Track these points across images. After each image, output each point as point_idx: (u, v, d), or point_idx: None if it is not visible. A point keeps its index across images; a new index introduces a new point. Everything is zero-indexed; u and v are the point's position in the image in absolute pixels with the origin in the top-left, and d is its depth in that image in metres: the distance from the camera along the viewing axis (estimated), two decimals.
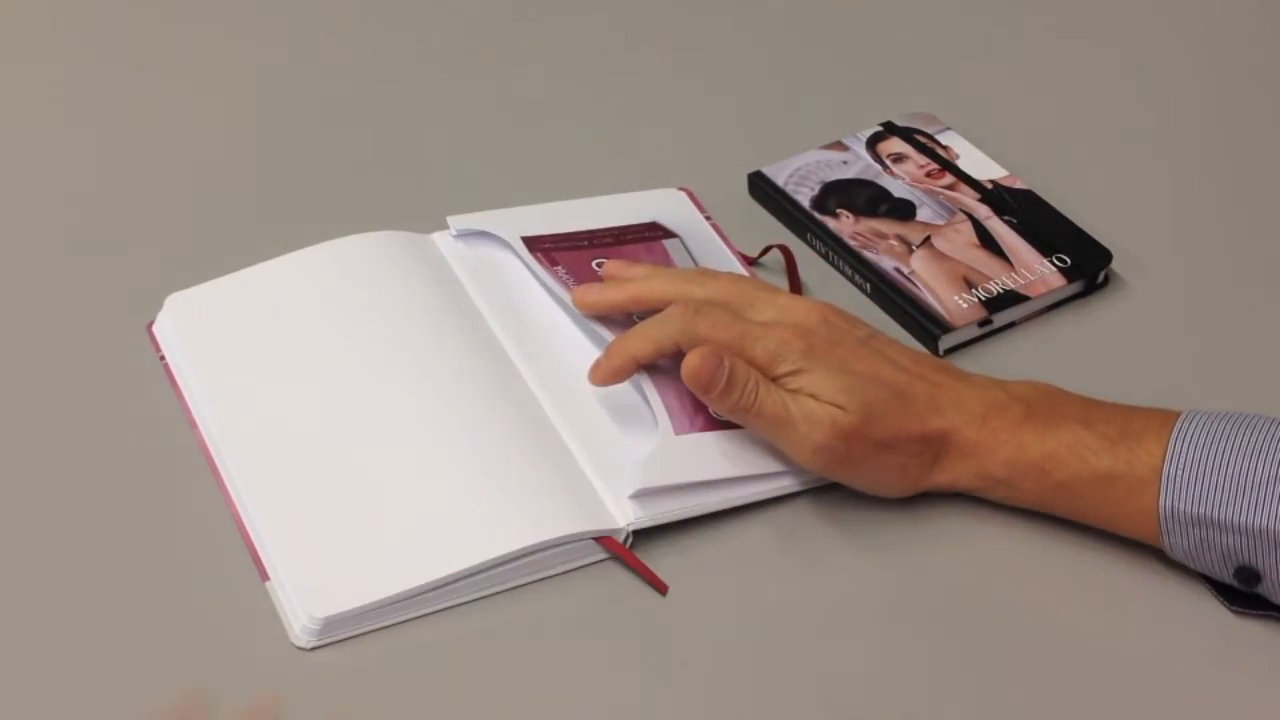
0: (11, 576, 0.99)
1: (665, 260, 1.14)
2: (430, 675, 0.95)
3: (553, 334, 1.09)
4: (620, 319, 1.08)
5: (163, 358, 1.10)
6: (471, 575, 0.97)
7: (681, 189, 1.21)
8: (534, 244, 1.14)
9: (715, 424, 1.02)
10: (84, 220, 1.22)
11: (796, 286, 1.14)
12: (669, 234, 1.16)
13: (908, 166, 1.22)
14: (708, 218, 1.19)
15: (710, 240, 1.17)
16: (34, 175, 1.27)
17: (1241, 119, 1.31)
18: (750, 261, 1.16)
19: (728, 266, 1.14)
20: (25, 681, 0.95)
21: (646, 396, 1.03)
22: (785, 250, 1.15)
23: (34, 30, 1.40)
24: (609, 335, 1.06)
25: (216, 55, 1.37)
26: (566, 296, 1.09)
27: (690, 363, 1.00)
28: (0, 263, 1.19)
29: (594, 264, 1.12)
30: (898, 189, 1.20)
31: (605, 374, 1.04)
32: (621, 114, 1.31)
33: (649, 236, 1.16)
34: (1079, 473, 0.97)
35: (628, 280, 1.08)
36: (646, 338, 1.03)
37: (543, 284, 1.12)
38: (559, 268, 1.12)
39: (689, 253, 1.15)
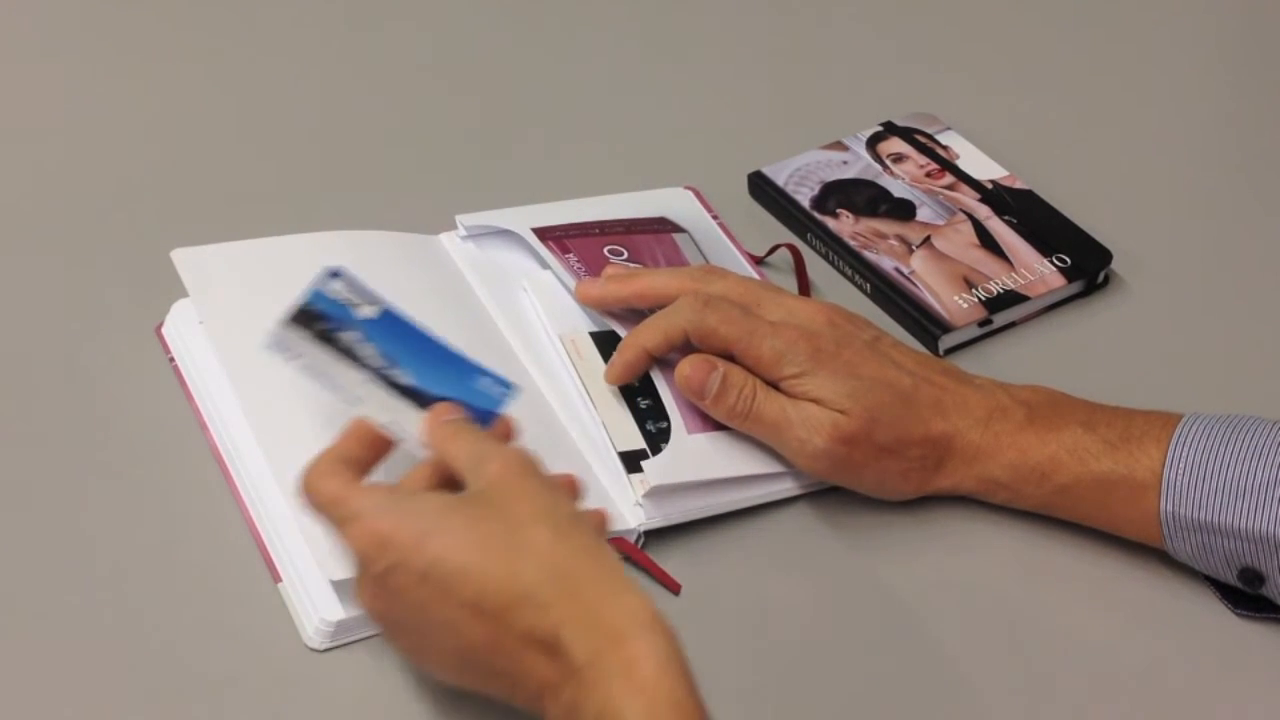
0: (25, 578, 0.99)
1: (674, 253, 1.14)
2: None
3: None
4: (631, 317, 1.07)
5: (172, 360, 1.09)
6: None
7: (688, 188, 1.21)
8: (545, 234, 1.13)
9: None
10: (91, 222, 1.22)
11: (805, 286, 1.14)
12: (678, 229, 1.16)
13: (908, 166, 1.22)
14: (715, 217, 1.19)
15: (718, 239, 1.17)
16: (38, 176, 1.26)
17: (1242, 118, 1.32)
18: (757, 261, 1.16)
19: (735, 265, 1.14)
20: (38, 683, 0.94)
21: (660, 395, 1.03)
22: (794, 250, 1.15)
23: (38, 29, 1.40)
24: (621, 332, 1.06)
25: (224, 57, 1.37)
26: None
27: (681, 370, 1.00)
28: (8, 266, 1.18)
29: (605, 250, 1.12)
30: (898, 189, 1.20)
31: (619, 369, 1.04)
32: (621, 115, 1.31)
33: (659, 229, 1.16)
34: (1080, 476, 0.98)
35: (633, 276, 1.08)
36: (656, 328, 1.03)
37: (555, 276, 1.11)
38: (570, 255, 1.11)
39: (698, 248, 1.15)
